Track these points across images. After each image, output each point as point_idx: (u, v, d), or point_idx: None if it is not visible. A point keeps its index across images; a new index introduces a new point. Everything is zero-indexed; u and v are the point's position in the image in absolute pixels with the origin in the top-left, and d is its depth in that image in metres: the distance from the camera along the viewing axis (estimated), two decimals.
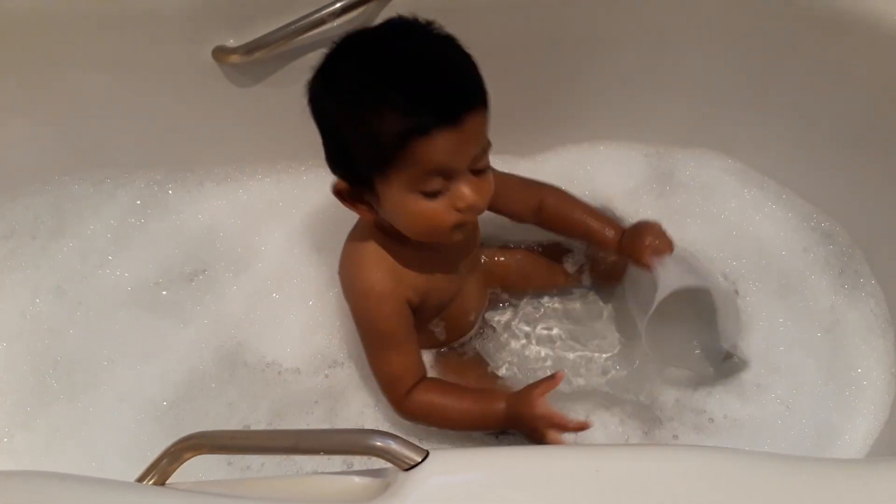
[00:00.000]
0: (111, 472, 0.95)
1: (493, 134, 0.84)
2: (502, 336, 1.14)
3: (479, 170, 0.83)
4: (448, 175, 0.81)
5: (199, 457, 0.70)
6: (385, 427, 1.01)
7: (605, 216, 1.08)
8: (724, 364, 1.06)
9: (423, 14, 1.09)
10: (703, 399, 1.05)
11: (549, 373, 0.97)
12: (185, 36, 1.11)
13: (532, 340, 1.14)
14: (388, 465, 0.67)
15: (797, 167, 1.22)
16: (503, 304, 1.16)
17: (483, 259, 1.13)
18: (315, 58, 1.12)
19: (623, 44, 1.17)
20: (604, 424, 1.02)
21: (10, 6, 1.08)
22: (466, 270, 1.03)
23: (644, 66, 1.20)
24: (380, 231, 0.92)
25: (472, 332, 1.11)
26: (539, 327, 1.15)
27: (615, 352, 1.12)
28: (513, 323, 1.15)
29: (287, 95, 1.17)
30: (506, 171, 1.03)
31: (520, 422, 0.91)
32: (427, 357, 1.06)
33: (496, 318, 1.15)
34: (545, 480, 0.66)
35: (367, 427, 1.01)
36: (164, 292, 1.17)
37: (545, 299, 1.17)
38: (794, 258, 1.19)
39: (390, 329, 0.93)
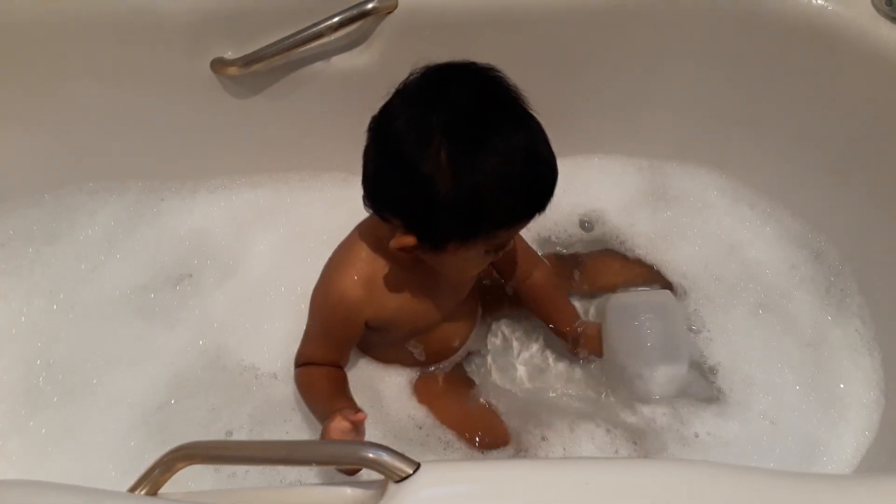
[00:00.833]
0: (102, 476, 0.97)
1: None
2: (492, 361, 1.15)
3: None
4: None
5: (187, 466, 0.70)
6: (371, 437, 1.01)
7: (570, 308, 1.12)
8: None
9: (420, 29, 1.11)
10: (689, 415, 1.06)
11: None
12: (184, 47, 1.12)
13: (519, 361, 1.15)
14: (379, 476, 0.67)
15: (788, 184, 1.23)
16: (497, 333, 1.17)
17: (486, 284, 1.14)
18: (312, 72, 1.15)
19: (617, 59, 1.18)
20: (591, 436, 1.03)
21: (9, 16, 1.09)
22: (458, 301, 1.04)
23: (638, 81, 1.21)
24: (386, 250, 0.90)
25: (456, 358, 1.11)
26: (528, 348, 1.16)
27: (600, 369, 1.12)
28: (504, 350, 1.16)
29: (284, 107, 1.19)
30: None
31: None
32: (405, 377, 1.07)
33: (489, 344, 1.16)
34: (535, 493, 0.66)
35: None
36: (153, 297, 1.18)
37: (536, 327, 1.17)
38: (781, 275, 1.19)
39: (331, 330, 0.98)
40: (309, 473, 0.98)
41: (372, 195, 0.86)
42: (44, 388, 1.10)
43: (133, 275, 1.20)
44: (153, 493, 0.69)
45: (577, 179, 1.28)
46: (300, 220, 1.24)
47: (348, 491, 0.71)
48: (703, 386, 1.08)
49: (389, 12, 1.10)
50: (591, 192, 1.28)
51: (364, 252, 0.93)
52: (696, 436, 1.04)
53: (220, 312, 1.16)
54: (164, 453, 0.70)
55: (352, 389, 1.02)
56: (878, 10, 1.03)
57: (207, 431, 1.04)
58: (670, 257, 1.21)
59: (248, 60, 1.12)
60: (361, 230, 0.96)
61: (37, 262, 1.20)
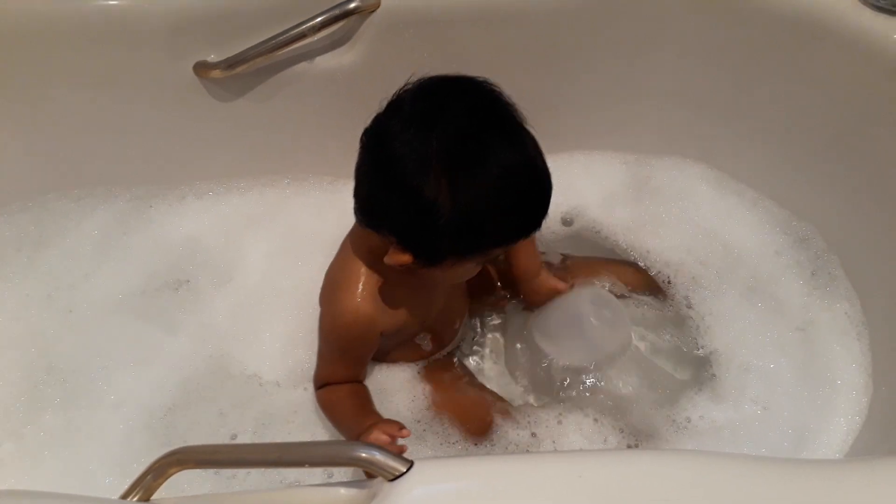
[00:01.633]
0: (101, 481, 0.97)
1: None
2: (484, 343, 1.15)
3: None
4: None
5: (180, 471, 0.69)
6: None
7: (536, 257, 1.09)
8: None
9: (404, 29, 1.11)
10: (680, 400, 1.07)
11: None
12: (167, 51, 1.12)
13: (510, 346, 1.15)
14: (373, 475, 0.67)
15: (773, 174, 1.24)
16: (488, 314, 1.18)
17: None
18: (296, 73, 1.15)
19: (601, 54, 1.18)
20: (579, 426, 1.03)
21: None
22: (455, 286, 1.05)
23: (623, 75, 1.21)
24: (382, 261, 0.89)
25: (457, 340, 1.12)
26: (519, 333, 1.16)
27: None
28: (494, 331, 1.17)
29: (268, 109, 1.19)
30: None
31: None
32: (409, 372, 1.07)
33: (479, 326, 1.17)
34: (529, 488, 0.66)
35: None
36: (151, 301, 1.17)
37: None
38: (767, 262, 1.20)
39: (347, 348, 0.97)
40: (309, 474, 0.98)
41: (366, 213, 0.86)
42: (43, 392, 1.09)
43: (129, 280, 1.19)
44: (146, 499, 0.69)
45: (562, 176, 1.25)
46: (289, 223, 1.24)
47: (342, 491, 0.70)
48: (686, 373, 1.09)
49: (372, 11, 1.10)
50: (576, 187, 1.28)
51: (362, 267, 0.93)
52: (689, 420, 1.05)
53: (221, 318, 1.16)
54: (156, 459, 0.70)
55: None
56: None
57: (212, 436, 1.04)
58: (657, 247, 1.21)
59: (231, 63, 1.11)
60: (353, 244, 0.96)
61: (30, 268, 1.20)
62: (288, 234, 1.23)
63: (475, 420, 1.04)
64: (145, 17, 1.09)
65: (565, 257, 1.19)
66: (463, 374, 1.11)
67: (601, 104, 1.25)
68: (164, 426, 1.06)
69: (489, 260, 0.89)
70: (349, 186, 1.22)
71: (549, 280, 1.09)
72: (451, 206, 0.77)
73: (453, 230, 0.79)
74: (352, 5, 1.08)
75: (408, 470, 0.66)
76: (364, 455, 0.67)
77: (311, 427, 1.04)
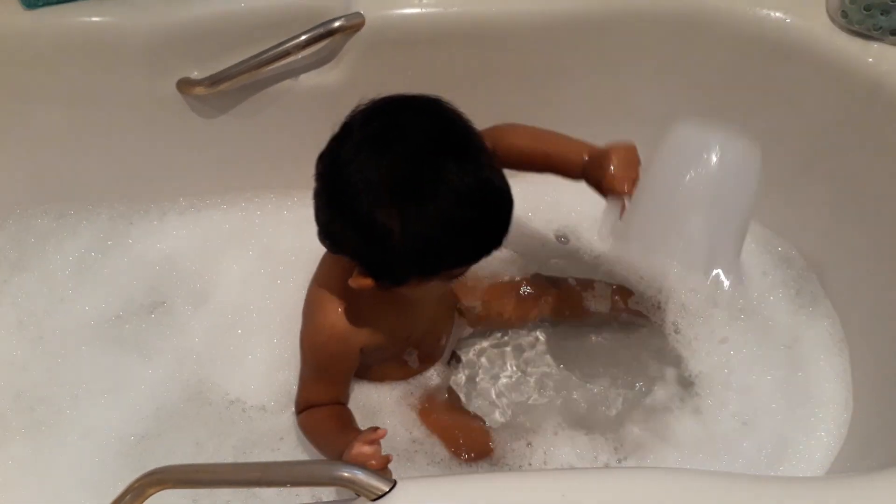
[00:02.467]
0: None
1: None
2: (474, 368, 1.15)
3: None
4: None
5: (164, 493, 0.69)
6: None
7: (568, 142, 0.97)
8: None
9: (388, 47, 1.12)
10: (663, 415, 1.07)
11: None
12: (150, 68, 1.12)
13: (500, 367, 1.15)
14: (355, 495, 0.67)
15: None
16: (473, 336, 1.17)
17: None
18: (280, 91, 1.15)
19: (582, 73, 1.20)
20: (572, 441, 1.04)
21: None
22: (437, 302, 1.05)
23: (603, 95, 1.23)
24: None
25: (444, 358, 1.12)
26: (507, 354, 1.17)
27: (578, 374, 1.14)
28: (482, 354, 1.17)
29: (252, 127, 1.19)
30: None
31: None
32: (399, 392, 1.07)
33: (465, 348, 1.16)
34: None
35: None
36: (126, 326, 1.16)
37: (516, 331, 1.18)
38: (754, 280, 1.21)
39: (327, 367, 0.97)
40: (290, 496, 0.97)
41: (326, 238, 0.86)
42: (10, 420, 1.07)
43: (106, 303, 1.18)
44: None
45: (548, 194, 1.29)
46: (270, 240, 1.24)
47: None
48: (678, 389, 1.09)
49: (356, 30, 1.10)
50: (563, 206, 1.28)
51: (339, 285, 0.92)
52: (673, 435, 1.05)
53: (198, 340, 1.15)
54: (136, 478, 0.69)
55: None
56: (834, 22, 1.06)
57: (190, 462, 1.02)
58: (643, 267, 1.21)
59: (214, 80, 1.11)
60: (329, 261, 0.96)
61: (4, 292, 1.18)
62: (268, 252, 1.22)
63: (474, 446, 1.04)
64: (128, 34, 1.09)
65: (556, 280, 1.19)
66: (455, 401, 1.11)
67: (584, 122, 1.25)
68: (138, 454, 1.04)
69: (458, 276, 0.87)
70: None
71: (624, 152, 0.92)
72: (403, 232, 0.77)
73: (409, 255, 0.79)
74: (336, 24, 1.08)
75: (391, 489, 0.66)
76: (346, 474, 0.67)
77: (297, 455, 1.03)
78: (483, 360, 1.16)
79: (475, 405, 1.12)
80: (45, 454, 1.04)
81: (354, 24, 1.09)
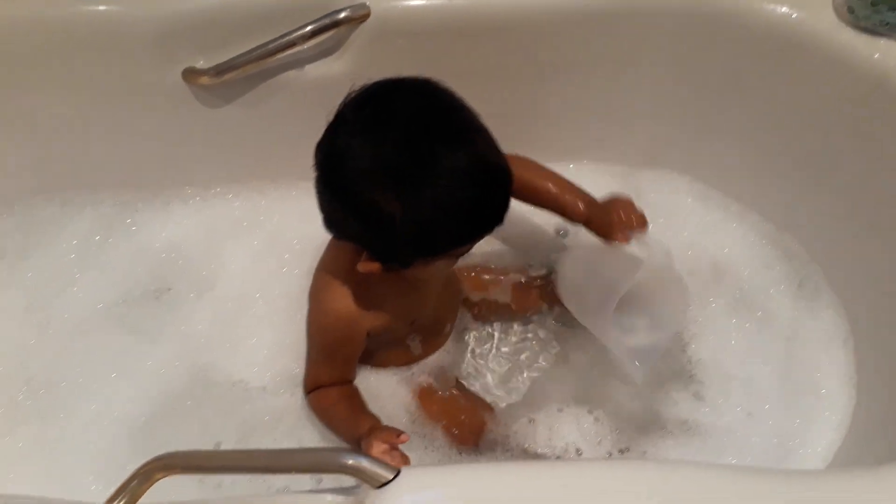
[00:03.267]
0: (83, 492, 0.96)
1: None
2: (477, 353, 1.15)
3: None
4: None
5: (172, 478, 0.69)
6: None
7: (575, 187, 1.05)
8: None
9: (394, 38, 1.12)
10: (667, 407, 1.08)
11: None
12: (156, 57, 1.12)
13: (504, 354, 1.16)
14: (360, 482, 0.67)
15: (758, 188, 1.25)
16: (477, 325, 1.18)
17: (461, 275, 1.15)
18: (285, 81, 1.15)
19: (587, 67, 1.20)
20: (576, 421, 1.05)
21: None
22: (443, 286, 1.05)
23: (610, 88, 1.22)
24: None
25: (447, 346, 1.12)
26: (510, 339, 1.17)
27: (582, 360, 1.14)
28: (487, 342, 1.17)
29: (257, 117, 1.19)
30: None
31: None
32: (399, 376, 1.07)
33: (469, 337, 1.17)
34: (514, 496, 0.67)
35: (333, 444, 1.01)
36: (133, 311, 1.17)
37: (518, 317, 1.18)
38: (755, 274, 1.22)
39: (334, 349, 0.98)
40: (296, 482, 0.97)
41: (330, 225, 0.87)
42: (23, 403, 1.08)
43: (111, 289, 1.19)
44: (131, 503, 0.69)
45: None
46: (275, 230, 1.24)
47: (329, 498, 0.71)
48: (677, 381, 1.10)
49: (362, 21, 1.10)
50: None
51: (345, 269, 0.93)
52: (674, 426, 1.06)
53: (203, 325, 1.16)
54: (143, 464, 0.69)
55: None
56: (840, 18, 1.06)
57: (195, 446, 1.01)
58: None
59: (220, 70, 1.11)
60: (334, 248, 0.97)
61: (11, 276, 1.19)
62: (274, 240, 1.23)
63: (468, 426, 1.05)
64: (134, 23, 1.09)
65: (549, 273, 1.19)
66: (457, 386, 1.11)
67: (588, 117, 1.26)
68: (144, 436, 1.05)
69: (463, 254, 0.88)
70: None
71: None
72: (403, 216, 0.78)
73: (412, 239, 0.80)
74: (342, 14, 1.08)
75: (395, 477, 0.66)
76: (351, 462, 0.67)
77: (296, 433, 1.04)
78: (486, 345, 1.16)
79: (478, 388, 1.12)
80: (54, 437, 1.06)
81: (360, 16, 1.09)
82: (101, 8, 1.08)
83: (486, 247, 1.17)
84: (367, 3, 1.09)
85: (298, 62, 1.14)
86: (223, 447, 1.04)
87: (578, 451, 1.04)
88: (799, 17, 1.07)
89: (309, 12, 1.08)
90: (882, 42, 1.04)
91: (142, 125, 1.19)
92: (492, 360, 1.15)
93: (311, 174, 1.25)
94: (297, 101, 1.17)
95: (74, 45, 1.10)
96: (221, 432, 1.06)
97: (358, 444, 0.90)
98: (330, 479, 0.94)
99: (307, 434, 1.03)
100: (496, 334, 1.16)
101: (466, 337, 1.16)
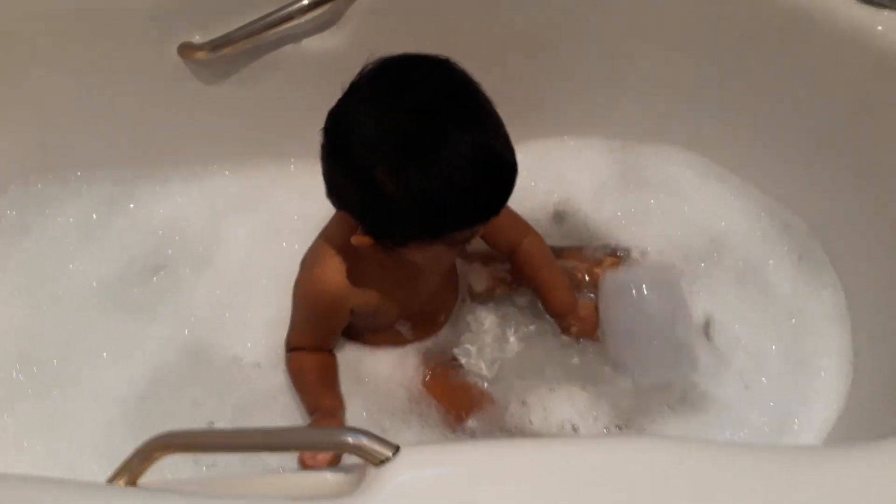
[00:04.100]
0: (81, 470, 0.96)
1: None
2: (477, 334, 1.14)
3: None
4: None
5: (166, 456, 0.69)
6: (354, 415, 1.02)
7: (564, 284, 1.10)
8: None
9: (392, 11, 1.11)
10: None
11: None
12: (151, 33, 1.10)
13: (504, 332, 1.15)
14: (359, 460, 0.67)
15: (758, 161, 1.25)
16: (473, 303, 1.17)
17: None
18: (283, 56, 1.14)
19: (587, 40, 1.18)
20: (570, 397, 1.05)
21: None
22: (440, 278, 1.05)
23: (608, 62, 1.21)
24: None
25: (443, 332, 1.12)
26: (510, 320, 1.16)
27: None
28: (482, 320, 1.16)
29: (254, 92, 1.18)
30: None
31: None
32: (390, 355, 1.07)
33: (465, 315, 1.16)
34: (516, 473, 0.67)
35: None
36: (129, 288, 1.17)
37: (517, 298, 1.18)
38: (755, 248, 1.22)
39: (316, 318, 0.99)
40: (291, 461, 0.97)
41: (330, 194, 0.86)
42: (19, 381, 1.09)
43: (108, 267, 1.18)
44: (132, 482, 0.69)
45: (551, 164, 1.29)
46: (274, 206, 1.24)
47: (329, 476, 0.71)
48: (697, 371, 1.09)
49: None
50: (565, 176, 1.28)
51: (343, 242, 0.92)
52: (672, 401, 1.06)
53: (199, 303, 1.16)
54: (143, 443, 0.69)
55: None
56: None
57: (190, 423, 1.03)
58: (646, 236, 1.22)
59: (216, 45, 1.10)
60: (337, 220, 0.96)
61: (8, 255, 1.18)
62: (272, 217, 1.22)
63: (472, 405, 1.05)
64: None
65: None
66: (454, 366, 1.11)
67: (589, 91, 1.25)
68: (140, 415, 1.05)
69: (460, 244, 0.87)
70: None
71: (587, 310, 1.08)
72: (398, 191, 0.77)
73: (405, 214, 0.79)
74: None
75: (394, 455, 0.66)
76: (350, 440, 0.67)
77: (290, 413, 1.04)
78: (483, 325, 1.15)
79: (473, 368, 1.11)
80: (52, 416, 1.06)
81: None
82: None
83: None
84: None
85: (296, 36, 1.13)
86: (217, 426, 1.04)
87: (575, 428, 1.04)
88: None
89: None
90: (885, 14, 1.02)
91: (138, 102, 1.18)
92: (486, 341, 1.14)
93: (308, 151, 1.23)
94: (294, 76, 1.16)
95: (69, 23, 1.09)
96: (215, 411, 1.06)
97: (314, 415, 0.93)
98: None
99: (302, 412, 1.03)
100: (491, 315, 1.16)
101: (463, 316, 1.15)
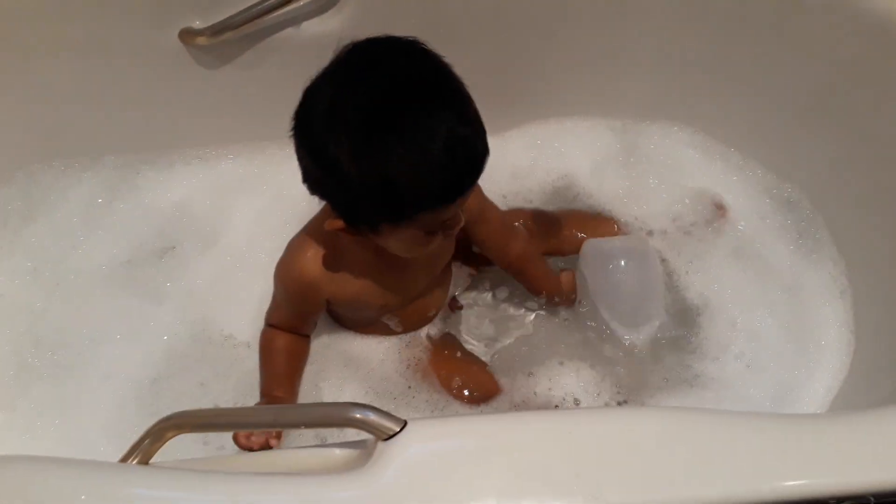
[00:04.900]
0: (94, 452, 0.98)
1: None
2: (474, 312, 1.16)
3: None
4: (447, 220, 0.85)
5: (176, 438, 0.70)
6: (354, 397, 1.04)
7: (548, 273, 1.12)
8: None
9: None
10: (666, 357, 1.09)
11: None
12: (151, 18, 1.11)
13: (501, 309, 1.16)
14: (366, 436, 0.68)
15: (759, 137, 1.25)
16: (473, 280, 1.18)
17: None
18: (282, 39, 1.14)
19: (585, 19, 1.18)
20: (576, 372, 1.07)
21: None
22: (431, 277, 1.05)
23: (607, 40, 1.21)
24: (345, 234, 0.88)
25: (432, 323, 1.13)
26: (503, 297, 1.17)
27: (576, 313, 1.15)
28: (481, 299, 1.17)
29: (255, 76, 1.18)
30: None
31: None
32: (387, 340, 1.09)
33: (465, 294, 1.17)
34: (520, 445, 0.68)
35: (336, 398, 1.04)
36: (137, 270, 1.18)
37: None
38: (756, 223, 1.22)
39: (292, 301, 0.99)
40: (298, 440, 0.99)
41: (304, 179, 0.85)
42: (32, 364, 1.10)
43: (115, 250, 1.20)
44: (144, 462, 0.70)
45: (551, 143, 1.29)
46: (276, 189, 1.24)
47: (337, 452, 0.72)
48: (675, 332, 1.12)
49: None
50: (565, 155, 1.29)
51: (323, 240, 0.92)
52: (673, 376, 1.07)
53: (206, 284, 1.17)
54: (154, 423, 0.70)
55: (332, 351, 1.05)
56: None
57: (199, 404, 1.05)
58: (646, 213, 1.22)
59: (216, 29, 1.10)
60: (325, 210, 0.95)
61: (16, 241, 1.20)
62: (275, 199, 1.23)
63: (482, 388, 1.06)
64: None
65: (536, 213, 1.19)
66: (457, 346, 1.12)
67: (585, 70, 1.25)
68: (151, 396, 1.07)
69: (437, 230, 0.85)
70: None
71: (568, 285, 1.12)
72: (355, 166, 0.75)
73: (362, 191, 0.77)
74: None
75: (401, 429, 0.67)
76: (358, 416, 0.68)
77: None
78: (483, 303, 1.17)
79: (476, 348, 1.13)
80: (65, 398, 1.07)
81: None
82: None
83: None
84: None
85: (296, 19, 1.13)
86: (223, 406, 1.05)
87: (577, 402, 1.05)
88: None
89: None
90: None
91: (140, 87, 1.19)
92: (488, 319, 1.15)
93: None
94: (294, 59, 1.15)
95: (70, 7, 1.09)
96: (220, 394, 1.07)
97: (263, 399, 0.95)
98: (335, 434, 0.96)
99: (304, 391, 1.04)
100: (491, 293, 1.17)
101: (463, 295, 1.16)
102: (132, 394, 1.07)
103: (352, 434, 0.70)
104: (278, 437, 0.88)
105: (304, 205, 1.18)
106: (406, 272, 0.98)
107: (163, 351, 1.11)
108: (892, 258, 1.08)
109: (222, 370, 1.09)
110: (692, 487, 0.65)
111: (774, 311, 1.14)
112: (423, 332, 1.11)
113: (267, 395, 0.98)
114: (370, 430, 0.67)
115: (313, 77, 0.81)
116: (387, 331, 1.09)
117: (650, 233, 1.21)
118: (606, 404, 1.05)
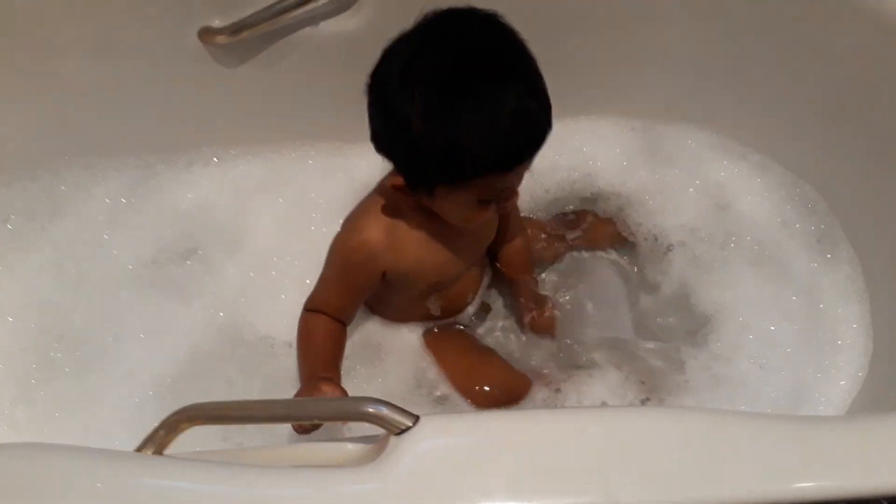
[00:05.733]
0: (113, 442, 0.98)
1: None
2: (502, 316, 1.17)
3: None
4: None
5: (195, 433, 0.71)
6: (371, 394, 1.02)
7: (530, 286, 1.14)
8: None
9: None
10: (681, 359, 1.09)
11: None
12: (171, 17, 1.12)
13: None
14: (378, 431, 0.68)
15: (777, 138, 1.24)
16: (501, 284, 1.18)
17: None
18: (301, 38, 1.15)
19: (607, 19, 1.18)
20: (604, 377, 1.07)
21: None
22: (477, 255, 1.06)
23: (628, 41, 1.21)
24: (408, 201, 0.91)
25: (466, 315, 1.13)
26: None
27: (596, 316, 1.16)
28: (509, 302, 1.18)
29: (274, 75, 1.19)
30: None
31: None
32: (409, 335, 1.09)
33: (494, 298, 1.18)
34: (533, 442, 0.67)
35: (353, 392, 1.02)
36: (163, 270, 1.19)
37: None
38: (773, 227, 1.21)
39: (348, 274, 0.98)
40: (314, 435, 0.99)
41: (372, 138, 0.87)
42: (55, 359, 1.11)
43: (140, 249, 1.20)
44: (158, 453, 0.71)
45: (571, 142, 1.29)
46: (297, 189, 1.25)
47: (349, 446, 0.72)
48: (692, 332, 1.12)
49: None
50: (586, 154, 1.28)
51: (387, 200, 0.94)
52: (689, 378, 1.07)
53: (231, 285, 1.17)
54: (169, 414, 0.71)
55: (354, 346, 1.04)
56: None
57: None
58: (665, 213, 1.22)
59: (235, 28, 1.11)
60: (385, 180, 0.96)
61: (42, 237, 1.20)
62: (296, 199, 1.24)
63: (508, 389, 1.06)
64: None
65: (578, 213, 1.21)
66: (474, 342, 1.12)
67: (606, 70, 1.25)
68: (173, 395, 1.07)
69: (490, 200, 0.87)
70: (356, 151, 1.22)
71: (535, 296, 1.13)
72: (422, 124, 0.78)
73: (426, 150, 0.79)
74: None
75: (414, 424, 0.67)
76: (371, 410, 0.68)
77: None
78: (510, 307, 1.17)
79: (504, 352, 1.13)
80: (86, 393, 1.08)
81: None
82: None
83: None
84: None
85: (314, 18, 1.14)
86: None
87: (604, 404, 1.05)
88: None
89: None
90: None
91: (160, 87, 1.20)
92: (515, 321, 1.16)
93: (329, 133, 1.26)
94: (312, 59, 1.17)
95: (91, 7, 1.10)
96: (246, 391, 1.07)
97: (310, 382, 0.93)
98: (349, 428, 0.96)
99: None
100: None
101: (491, 299, 1.17)
102: (154, 391, 1.08)
103: (363, 426, 0.70)
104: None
105: (323, 205, 1.20)
106: (457, 244, 0.99)
107: (186, 350, 1.11)
108: None
109: (250, 368, 1.10)
110: (707, 487, 0.64)
111: (791, 313, 1.13)
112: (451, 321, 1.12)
113: (313, 379, 0.94)
114: (383, 424, 0.67)
115: (395, 39, 0.83)
116: (422, 316, 1.09)
117: (667, 236, 1.20)
118: (631, 404, 1.04)
